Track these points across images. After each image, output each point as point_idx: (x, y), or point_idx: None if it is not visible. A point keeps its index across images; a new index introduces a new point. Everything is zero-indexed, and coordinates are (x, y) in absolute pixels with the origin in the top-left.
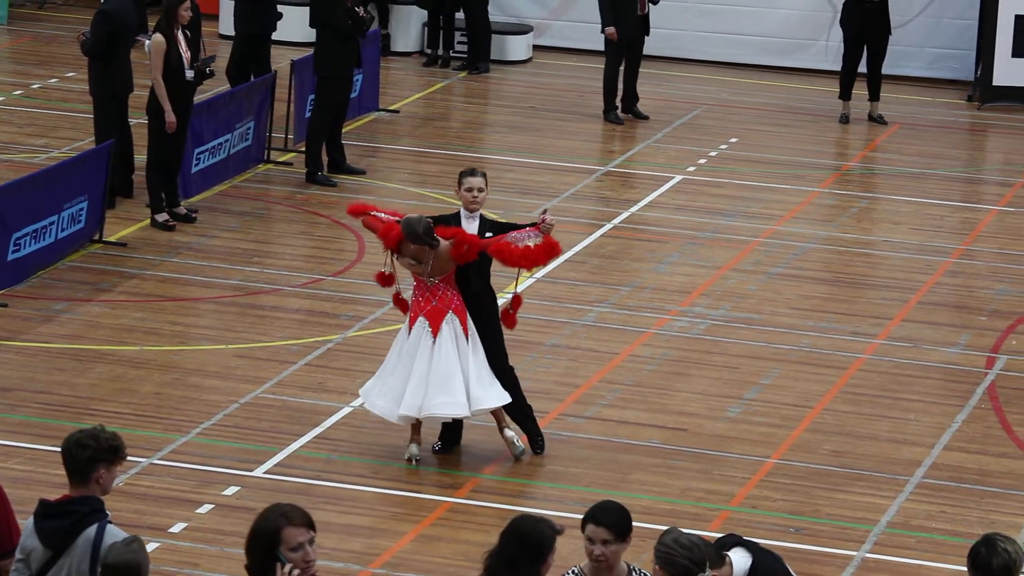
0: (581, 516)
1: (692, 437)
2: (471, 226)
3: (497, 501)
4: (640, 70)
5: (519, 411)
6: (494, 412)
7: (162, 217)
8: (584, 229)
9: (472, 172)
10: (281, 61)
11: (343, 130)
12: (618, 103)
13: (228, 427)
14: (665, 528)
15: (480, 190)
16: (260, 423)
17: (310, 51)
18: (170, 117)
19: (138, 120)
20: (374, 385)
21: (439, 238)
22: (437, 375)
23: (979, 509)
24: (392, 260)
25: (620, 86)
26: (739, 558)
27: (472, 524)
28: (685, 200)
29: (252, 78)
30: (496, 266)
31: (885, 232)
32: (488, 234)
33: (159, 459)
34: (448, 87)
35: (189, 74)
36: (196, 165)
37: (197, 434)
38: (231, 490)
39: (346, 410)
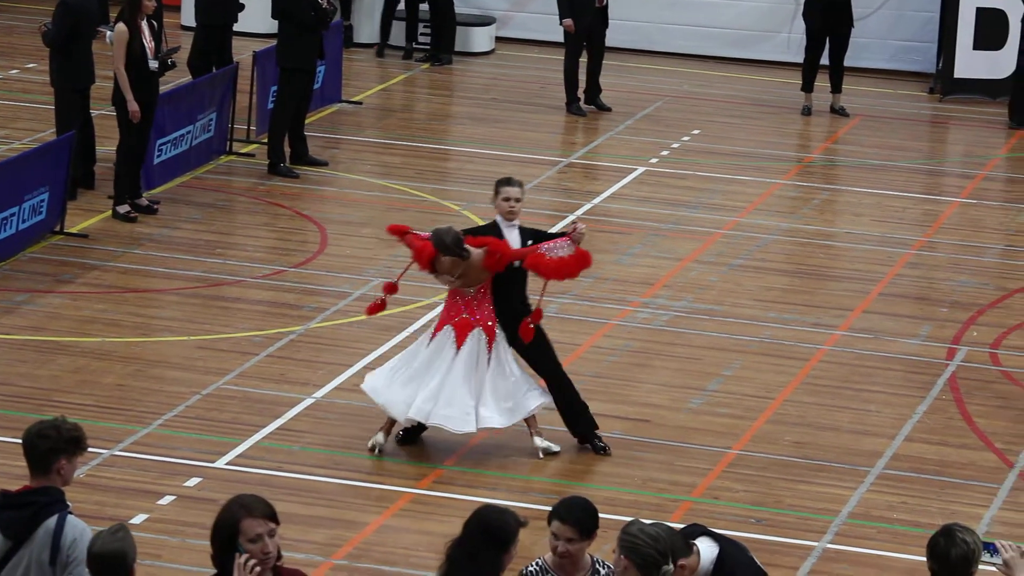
0: (544, 507)
1: (654, 428)
2: (511, 235)
3: (460, 492)
4: (603, 62)
5: (575, 415)
6: (526, 420)
7: (124, 208)
8: (547, 221)
9: (509, 181)
10: (243, 52)
11: (306, 121)
12: (581, 95)
13: (190, 418)
14: (628, 519)
15: (517, 200)
16: (222, 414)
17: (272, 42)
18: (132, 106)
19: (99, 111)
20: (385, 377)
21: (470, 248)
22: (450, 388)
23: (940, 500)
24: (403, 274)
25: (583, 78)
26: (706, 547)
27: (435, 515)
28: (647, 192)
29: (214, 69)
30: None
31: (847, 224)
32: (529, 242)
33: (121, 450)
34: (411, 79)
35: (153, 65)
36: (158, 156)
37: (159, 425)
38: (193, 481)
39: (308, 401)
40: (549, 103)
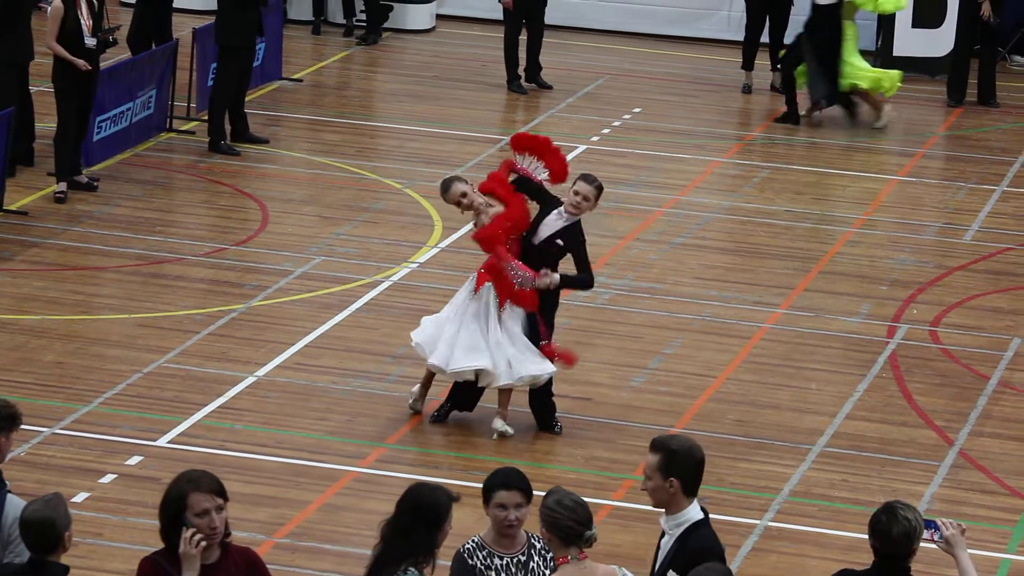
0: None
1: (596, 407)
2: (556, 222)
3: (402, 471)
4: (544, 40)
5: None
6: (501, 394)
7: (60, 187)
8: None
9: (590, 180)
10: (183, 29)
11: (246, 99)
12: (521, 73)
13: (131, 396)
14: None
15: (587, 199)
16: (163, 392)
17: (212, 19)
18: (78, 62)
19: (38, 88)
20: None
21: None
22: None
23: (880, 477)
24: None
25: (523, 56)
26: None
27: (378, 494)
28: (588, 170)
29: (154, 46)
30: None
31: (787, 202)
32: (558, 242)
33: (61, 428)
34: (350, 56)
35: (91, 42)
36: (98, 133)
37: (100, 404)
38: (134, 460)
39: (250, 380)
40: (490, 81)
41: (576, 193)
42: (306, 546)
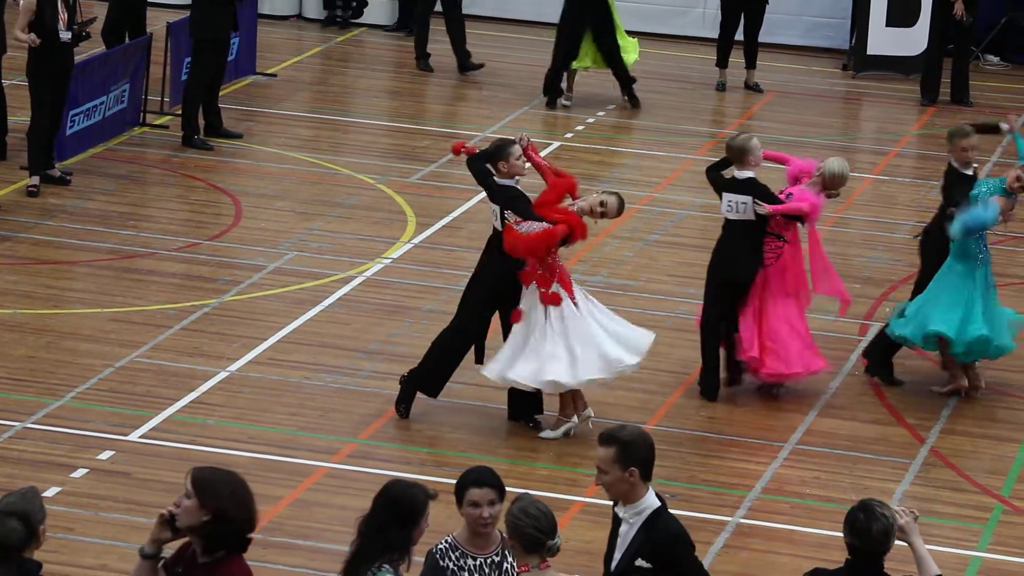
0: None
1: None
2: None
3: (374, 467)
4: (519, 36)
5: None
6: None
7: (32, 181)
8: (461, 195)
9: (614, 203)
10: (157, 23)
11: (220, 93)
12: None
13: (103, 391)
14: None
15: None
16: (135, 387)
17: (186, 13)
18: (30, 39)
19: (11, 82)
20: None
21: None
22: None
23: (851, 475)
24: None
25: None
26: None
27: (349, 489)
28: (562, 166)
29: (127, 40)
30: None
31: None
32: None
33: (33, 423)
34: (326, 51)
35: (66, 36)
36: (71, 127)
37: (71, 398)
38: (106, 454)
39: (222, 375)
40: (467, 77)
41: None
42: (278, 541)
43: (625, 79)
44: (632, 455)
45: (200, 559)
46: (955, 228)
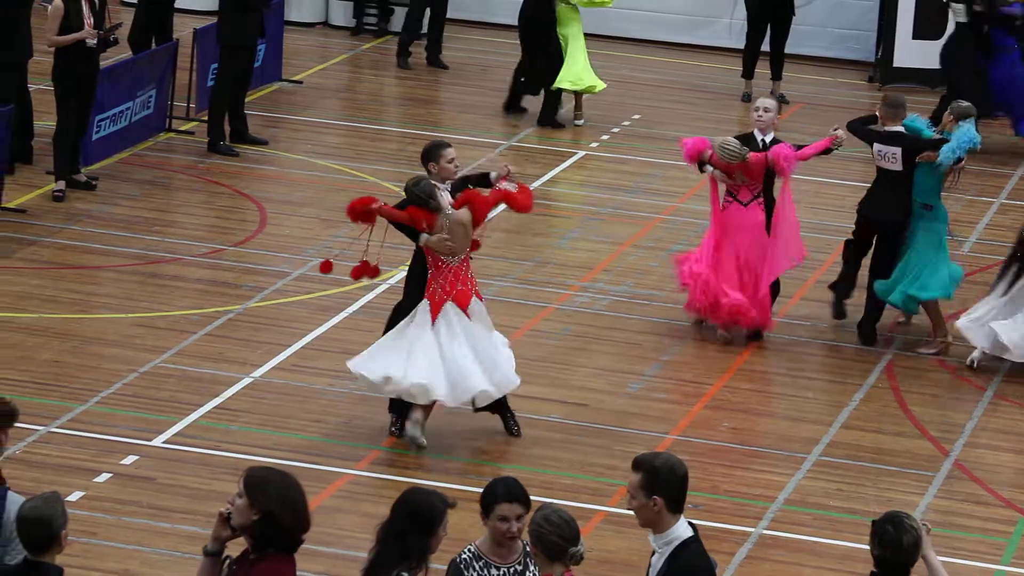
0: (480, 489)
1: (593, 412)
2: (445, 196)
3: (397, 474)
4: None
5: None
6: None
7: (59, 186)
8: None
9: (445, 144)
10: (184, 29)
11: (246, 100)
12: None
13: (127, 396)
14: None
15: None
16: (159, 392)
17: (213, 20)
18: (82, 34)
19: (37, 86)
20: (403, 366)
21: (440, 199)
22: (486, 357)
23: (875, 487)
24: (372, 248)
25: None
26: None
27: (372, 496)
28: (587, 176)
29: (154, 46)
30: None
31: None
32: (469, 186)
33: (57, 427)
34: (353, 58)
35: (92, 41)
36: (97, 132)
37: (96, 403)
38: (129, 459)
39: (246, 381)
40: (491, 85)
41: (450, 161)
42: (300, 548)
43: (517, 97)
44: (658, 483)
45: (250, 556)
46: (945, 154)
